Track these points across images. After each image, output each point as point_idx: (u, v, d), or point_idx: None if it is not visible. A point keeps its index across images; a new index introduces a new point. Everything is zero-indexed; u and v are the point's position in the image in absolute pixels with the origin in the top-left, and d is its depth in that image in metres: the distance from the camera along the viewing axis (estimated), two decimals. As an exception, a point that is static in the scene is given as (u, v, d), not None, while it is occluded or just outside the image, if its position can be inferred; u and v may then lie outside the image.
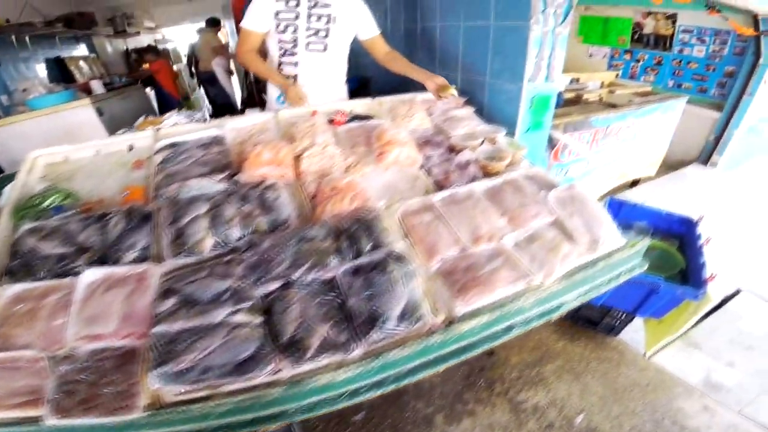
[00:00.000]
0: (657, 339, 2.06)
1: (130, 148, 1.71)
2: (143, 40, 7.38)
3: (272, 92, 2.11)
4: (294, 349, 0.89)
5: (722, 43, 4.43)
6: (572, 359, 2.12)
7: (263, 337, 0.90)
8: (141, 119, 2.03)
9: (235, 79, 6.29)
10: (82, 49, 5.65)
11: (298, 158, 1.49)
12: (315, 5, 1.88)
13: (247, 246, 1.12)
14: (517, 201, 1.35)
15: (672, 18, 4.73)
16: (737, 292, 2.55)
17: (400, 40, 2.92)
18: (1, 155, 3.10)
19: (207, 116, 2.00)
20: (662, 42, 4.93)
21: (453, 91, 1.90)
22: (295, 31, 1.89)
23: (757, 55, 4.02)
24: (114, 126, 3.58)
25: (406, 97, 2.01)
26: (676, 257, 2.20)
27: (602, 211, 1.32)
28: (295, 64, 1.97)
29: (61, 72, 4.80)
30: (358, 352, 0.90)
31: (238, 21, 5.55)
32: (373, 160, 1.53)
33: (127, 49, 6.86)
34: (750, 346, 2.19)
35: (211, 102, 5.95)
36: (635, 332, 2.19)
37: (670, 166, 4.42)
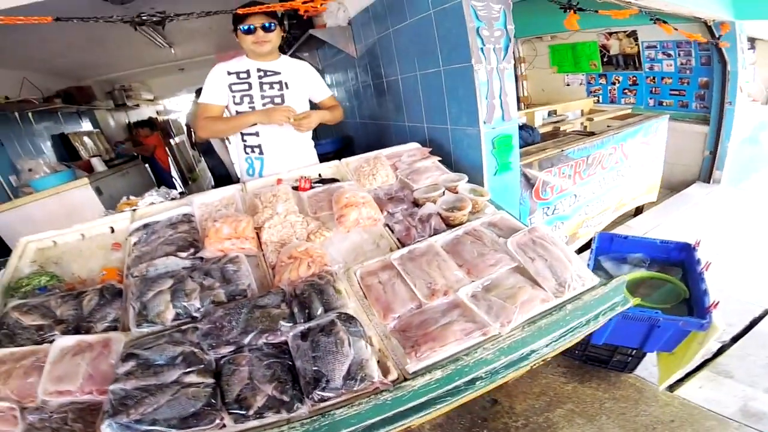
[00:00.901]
0: (670, 372, 1.93)
1: (112, 230, 1.80)
2: (145, 113, 7.70)
3: (241, 167, 2.19)
4: (238, 406, 0.94)
5: (687, 54, 4.50)
6: (584, 401, 1.99)
7: (211, 395, 0.96)
8: (123, 200, 2.10)
9: (232, 149, 6.47)
10: (86, 124, 5.80)
11: (260, 229, 1.54)
12: (265, 74, 1.99)
13: (202, 315, 1.19)
14: (476, 251, 1.37)
15: (633, 35, 4.82)
16: (765, 314, 2.40)
17: (370, 98, 3.07)
18: (10, 238, 3.18)
19: (177, 194, 2.05)
20: (632, 61, 5.00)
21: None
22: (251, 101, 1.99)
23: (723, 62, 4.08)
24: (113, 203, 3.67)
25: (371, 155, 2.09)
26: (678, 287, 2.12)
27: (569, 253, 1.32)
28: (257, 133, 2.05)
29: (66, 148, 4.95)
30: (303, 410, 0.93)
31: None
32: (335, 225, 1.56)
33: (128, 122, 7.17)
34: None
35: (211, 173, 6.09)
36: (654, 366, 2.06)
37: (672, 188, 4.40)
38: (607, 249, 2.46)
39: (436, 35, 2.04)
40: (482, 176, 2.05)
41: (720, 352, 2.15)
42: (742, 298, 1.81)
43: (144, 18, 1.56)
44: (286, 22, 2.02)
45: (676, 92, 4.70)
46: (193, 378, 1.00)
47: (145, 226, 1.70)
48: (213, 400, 0.95)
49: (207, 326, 1.13)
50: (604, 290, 1.21)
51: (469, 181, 1.84)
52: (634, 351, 2.01)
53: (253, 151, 2.09)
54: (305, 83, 2.09)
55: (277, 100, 2.01)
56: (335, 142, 3.52)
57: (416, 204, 1.71)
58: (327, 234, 1.53)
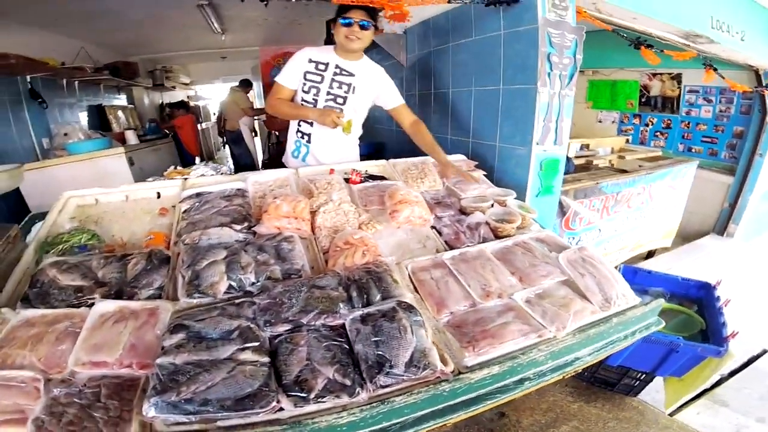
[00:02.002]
0: (677, 396, 2.05)
1: (158, 195, 1.81)
2: (177, 95, 7.87)
3: (289, 147, 2.25)
4: (298, 389, 0.89)
5: (728, 102, 4.45)
6: (588, 420, 2.04)
7: (267, 375, 0.91)
8: (171, 168, 2.15)
9: (257, 141, 6.55)
10: (121, 99, 6.01)
11: (314, 213, 1.57)
12: (339, 73, 2.04)
13: (259, 291, 1.17)
14: (528, 261, 1.40)
15: (677, 78, 4.80)
16: (764, 352, 2.56)
17: (414, 105, 3.12)
18: (32, 197, 3.21)
19: (227, 169, 2.10)
20: (670, 104, 4.97)
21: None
22: (317, 93, 2.04)
23: (764, 111, 4.06)
24: (142, 176, 3.78)
25: (418, 160, 2.13)
26: (695, 318, 2.24)
27: (614, 272, 1.36)
28: (311, 123, 2.11)
29: (99, 119, 5.11)
30: (363, 396, 0.90)
31: (265, 83, 5.95)
32: (385, 219, 1.61)
33: (162, 102, 7.31)
34: None
35: (234, 161, 6.21)
36: (656, 392, 2.16)
37: (685, 237, 4.40)
38: (630, 281, 2.47)
39: (502, 55, 2.09)
40: (525, 196, 2.08)
41: (718, 383, 2.29)
42: (742, 338, 1.95)
43: None
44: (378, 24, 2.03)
45: (708, 139, 4.68)
46: (248, 355, 0.95)
47: (198, 195, 1.71)
48: (269, 381, 0.90)
49: (266, 301, 1.11)
50: (644, 309, 1.26)
51: (513, 199, 1.87)
52: (643, 375, 2.11)
53: (302, 137, 2.16)
54: (374, 90, 2.12)
55: (340, 100, 2.05)
56: (367, 146, 3.55)
57: (463, 212, 1.74)
58: (378, 227, 1.55)
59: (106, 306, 1.09)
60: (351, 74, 2.04)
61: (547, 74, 1.92)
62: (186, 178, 1.91)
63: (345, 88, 2.04)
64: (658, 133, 5.16)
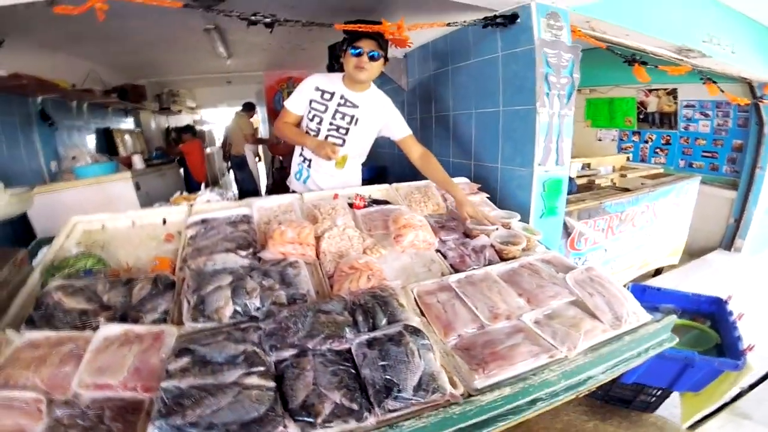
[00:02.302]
0: (694, 410, 2.03)
1: (164, 222, 1.83)
2: (183, 119, 7.98)
3: (293, 168, 2.28)
4: (305, 413, 0.89)
5: (725, 115, 4.48)
6: None
7: (274, 400, 0.91)
8: (177, 194, 2.17)
9: (261, 166, 6.57)
10: (128, 123, 6.04)
11: (318, 238, 1.59)
12: (344, 104, 2.03)
13: (265, 315, 1.18)
14: (535, 282, 1.41)
15: (673, 94, 4.85)
16: None
17: (416, 129, 3.17)
18: (38, 221, 3.21)
19: (233, 195, 2.13)
20: (668, 120, 4.99)
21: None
22: (320, 122, 2.05)
23: (761, 124, 4.08)
24: (148, 201, 3.80)
25: (422, 184, 2.16)
26: (710, 334, 2.24)
27: (623, 291, 1.36)
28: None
29: (107, 143, 5.13)
30: (371, 420, 0.89)
31: (270, 108, 6.02)
32: (390, 243, 1.63)
33: (168, 126, 7.42)
34: None
35: (238, 186, 6.22)
36: (675, 407, 2.13)
37: (692, 254, 4.38)
38: (639, 298, 2.45)
39: (501, 77, 2.15)
40: (528, 218, 2.10)
41: (738, 396, 2.23)
42: (759, 351, 1.96)
43: (258, 18, 1.65)
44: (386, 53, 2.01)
45: (709, 154, 4.69)
46: (254, 380, 0.95)
47: (204, 221, 1.72)
48: (275, 406, 0.90)
49: (271, 326, 1.11)
50: (656, 326, 1.26)
51: (518, 221, 1.88)
52: (659, 391, 2.10)
53: (304, 161, 2.19)
54: (379, 122, 2.10)
55: (342, 131, 2.06)
56: (369, 170, 3.58)
57: (467, 235, 1.75)
58: (383, 251, 1.56)
59: (110, 329, 1.10)
60: (355, 106, 2.04)
61: (546, 94, 1.96)
62: (192, 204, 1.93)
63: (348, 119, 2.04)
64: (658, 150, 5.18)
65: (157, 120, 7.00)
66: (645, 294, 2.50)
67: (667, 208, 3.59)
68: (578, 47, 2.05)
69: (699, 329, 2.27)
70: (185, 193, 2.22)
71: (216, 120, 9.80)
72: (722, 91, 3.46)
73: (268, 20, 1.68)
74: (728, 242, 4.52)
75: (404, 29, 1.75)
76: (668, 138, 5.05)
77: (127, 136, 5.60)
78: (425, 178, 2.14)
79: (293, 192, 2.16)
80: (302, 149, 2.19)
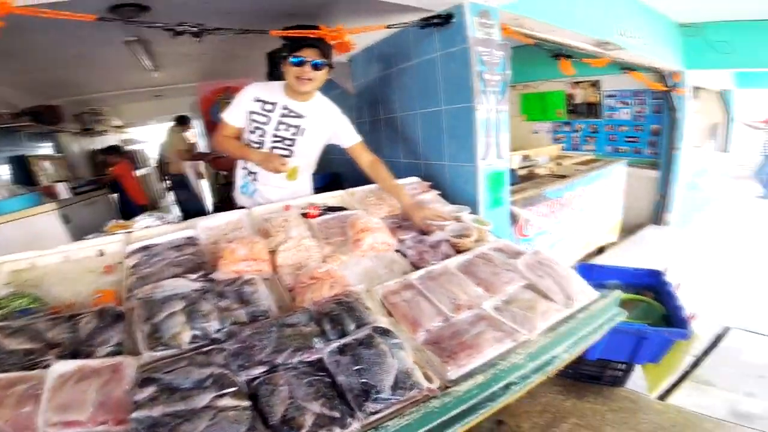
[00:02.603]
0: (658, 380, 2.15)
1: (101, 253, 1.71)
2: (110, 140, 7.39)
3: (238, 182, 2.19)
4: (287, 428, 0.88)
5: (642, 103, 4.99)
6: (586, 415, 2.09)
7: (253, 418, 0.90)
8: (111, 222, 2.02)
9: (205, 183, 6.26)
10: (47, 148, 5.46)
11: (273, 253, 1.55)
12: (288, 114, 1.94)
13: (226, 336, 1.15)
14: (490, 271, 1.47)
15: (597, 85, 5.32)
16: (727, 330, 2.77)
17: (365, 133, 3.15)
18: None
19: (174, 217, 2.02)
20: (593, 110, 5.46)
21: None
22: (263, 134, 1.96)
23: (672, 109, 4.57)
24: (80, 233, 3.48)
25: (376, 187, 2.16)
26: (655, 306, 2.37)
27: (570, 271, 1.46)
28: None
29: (23, 172, 4.59)
30: (355, 425, 0.90)
31: (207, 120, 5.73)
32: (349, 249, 1.62)
33: (93, 149, 6.86)
34: (761, 375, 2.34)
35: (181, 208, 5.76)
36: (642, 379, 2.24)
37: (629, 230, 4.79)
38: (587, 277, 2.62)
39: (440, 77, 2.22)
40: (477, 210, 2.18)
41: (696, 364, 2.44)
42: (703, 319, 2.18)
43: (184, 28, 1.56)
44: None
45: (631, 139, 5.20)
46: (228, 401, 0.93)
47: (145, 248, 1.64)
48: (255, 423, 0.89)
49: (236, 346, 1.09)
50: (605, 302, 1.35)
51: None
52: (624, 365, 2.19)
53: (249, 175, 2.10)
54: (326, 131, 2.05)
55: (287, 143, 1.98)
56: (322, 178, 3.50)
57: (423, 232, 1.79)
58: (343, 258, 1.56)
59: (64, 366, 1.03)
60: (300, 116, 1.95)
61: (482, 92, 2.05)
62: (129, 232, 1.80)
63: (293, 130, 1.97)
64: (587, 138, 5.65)
65: (80, 142, 6.45)
66: (592, 272, 2.65)
67: (600, 190, 3.90)
68: (508, 44, 2.16)
69: (645, 302, 2.43)
70: (120, 221, 2.07)
71: (148, 138, 9.23)
72: (642, 78, 3.83)
73: (195, 29, 1.61)
74: (657, 217, 5.01)
75: (344, 34, 1.75)
76: (595, 127, 5.52)
77: (47, 163, 5.08)
78: None
79: (240, 207, 2.05)
80: (245, 162, 2.10)
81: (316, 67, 1.80)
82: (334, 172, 3.72)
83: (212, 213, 5.64)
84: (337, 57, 3.04)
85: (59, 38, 3.24)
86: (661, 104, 4.73)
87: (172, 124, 5.61)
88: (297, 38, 1.74)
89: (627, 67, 3.72)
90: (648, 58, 3.80)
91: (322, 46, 1.78)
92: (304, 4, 2.80)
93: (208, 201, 6.35)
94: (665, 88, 4.38)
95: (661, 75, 4.41)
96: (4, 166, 4.41)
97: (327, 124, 2.04)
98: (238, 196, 2.19)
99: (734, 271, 3.86)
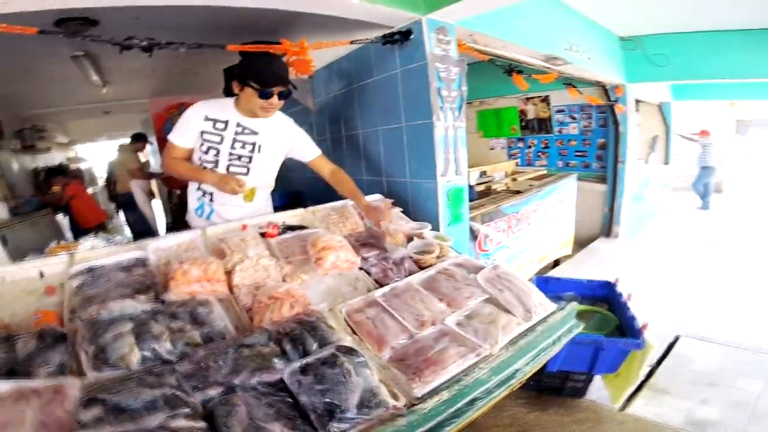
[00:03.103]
0: (620, 391, 2.20)
1: (42, 275, 1.59)
2: (55, 158, 6.94)
3: (191, 204, 2.10)
4: None
5: (588, 117, 5.22)
6: (549, 427, 2.14)
7: None
8: (53, 244, 1.89)
9: (157, 203, 6.01)
10: None
11: (229, 273, 1.50)
12: (242, 132, 1.90)
13: (179, 357, 1.11)
14: (452, 286, 1.49)
15: (546, 101, 5.53)
16: (677, 338, 2.89)
17: (327, 150, 3.15)
18: None
19: (122, 239, 1.92)
20: (545, 125, 5.67)
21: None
22: (217, 154, 1.90)
23: (616, 123, 4.80)
24: (19, 256, 3.21)
25: (338, 204, 2.16)
26: (609, 316, 2.47)
27: (528, 284, 1.50)
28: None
29: None
30: None
31: (159, 137, 5.53)
32: (311, 268, 1.60)
33: (36, 168, 6.40)
34: (712, 383, 2.43)
35: (131, 229, 5.56)
36: (600, 390, 2.30)
37: (581, 243, 4.99)
38: (544, 289, 2.71)
39: (401, 93, 2.26)
40: (438, 227, 2.21)
41: (651, 373, 2.53)
42: (654, 328, 2.18)
43: (132, 42, 1.51)
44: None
45: (580, 153, 5.44)
46: (181, 422, 0.89)
47: (90, 269, 1.54)
48: None
49: (189, 367, 1.04)
50: (562, 314, 1.40)
51: (429, 230, 1.97)
52: (584, 376, 2.25)
53: (204, 196, 2.02)
54: (284, 146, 2.03)
55: (244, 160, 1.93)
56: (282, 197, 3.44)
57: (386, 249, 1.79)
58: (304, 277, 1.53)
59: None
60: (255, 132, 1.91)
61: (440, 108, 2.11)
62: (73, 253, 1.69)
63: (249, 147, 1.92)
64: (540, 153, 5.88)
65: (20, 160, 6.00)
66: (548, 284, 2.75)
67: (554, 204, 4.07)
68: (464, 60, 2.24)
69: (599, 313, 2.52)
70: (63, 242, 1.94)
71: (96, 155, 8.75)
72: (581, 93, 4.05)
73: (144, 44, 1.56)
74: (606, 230, 5.25)
75: (307, 49, 1.75)
76: (546, 142, 5.76)
77: (-19, 182, 4.72)
78: (342, 198, 2.15)
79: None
80: (199, 183, 2.01)
81: (283, 96, 1.82)
82: (295, 190, 3.68)
83: (164, 233, 5.44)
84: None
85: (1, 51, 3.05)
86: (606, 118, 4.96)
87: (125, 141, 5.39)
88: (268, 78, 1.75)
89: (568, 83, 3.93)
90: (592, 72, 4.00)
91: (287, 76, 1.81)
92: (264, 19, 2.79)
93: (161, 221, 6.07)
94: (602, 103, 4.60)
95: (604, 89, 4.65)
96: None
97: (284, 139, 2.01)
98: (193, 219, 2.09)
99: (681, 280, 4.09)
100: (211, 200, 2.01)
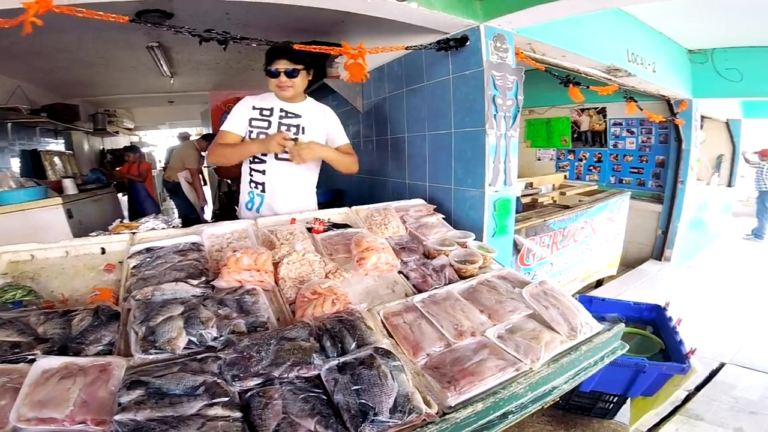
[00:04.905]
0: (641, 413, 2.13)
1: (103, 251, 1.71)
2: (120, 141, 7.50)
3: (242, 198, 2.21)
4: None
5: (648, 132, 4.90)
6: None
7: (242, 431, 0.88)
8: (116, 222, 2.02)
9: (207, 190, 6.31)
10: (59, 144, 5.59)
11: (277, 264, 1.55)
12: (286, 116, 2.05)
13: (223, 345, 1.13)
14: (494, 298, 1.46)
15: (603, 113, 5.25)
16: (722, 366, 2.75)
17: (370, 153, 3.21)
18: None
19: (179, 222, 2.03)
20: (599, 138, 5.38)
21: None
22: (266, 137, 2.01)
23: (679, 140, 4.48)
24: (82, 230, 3.50)
25: (381, 206, 2.17)
26: (653, 340, 2.39)
27: (575, 302, 1.45)
28: (263, 171, 2.09)
29: (33, 166, 4.69)
30: None
31: (216, 128, 5.81)
32: (352, 267, 1.62)
33: (103, 148, 6.92)
34: (752, 411, 2.30)
35: (177, 211, 5.96)
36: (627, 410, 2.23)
37: (628, 264, 4.75)
38: (586, 309, 2.61)
39: (452, 99, 2.24)
40: (482, 237, 2.17)
41: (687, 399, 2.42)
42: (699, 354, 2.12)
43: (211, 35, 1.59)
44: (312, 70, 2.06)
45: (635, 170, 5.12)
46: (218, 411, 0.91)
47: (149, 249, 1.64)
48: None
49: (232, 356, 1.07)
50: (608, 335, 1.35)
51: (472, 240, 1.94)
52: (616, 398, 2.19)
53: (256, 187, 2.12)
54: (324, 128, 2.13)
55: (291, 143, 2.00)
56: (326, 194, 3.58)
57: (427, 255, 1.80)
58: (346, 275, 1.55)
59: (49, 362, 1.01)
60: (298, 116, 2.06)
61: (494, 116, 2.07)
62: (135, 233, 1.80)
63: (294, 129, 2.05)
64: (591, 167, 5.58)
65: (90, 141, 6.52)
66: (592, 304, 2.66)
67: (603, 222, 3.89)
68: (522, 69, 2.18)
69: (643, 335, 2.43)
70: (125, 221, 2.07)
71: (157, 143, 9.31)
72: (641, 109, 3.82)
73: (220, 37, 1.64)
74: (658, 252, 4.94)
75: (365, 52, 1.78)
76: (599, 155, 5.45)
77: (56, 159, 5.15)
78: (385, 201, 2.18)
79: None
80: (251, 174, 2.12)
81: (289, 75, 1.95)
82: (338, 188, 3.74)
83: (210, 220, 5.75)
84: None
85: (84, 39, 3.33)
86: (668, 134, 4.65)
87: (185, 131, 5.70)
88: (271, 49, 1.91)
89: (630, 96, 3.72)
90: (656, 86, 3.78)
91: (291, 54, 1.92)
92: (318, 21, 2.87)
93: (209, 207, 6.38)
94: (664, 119, 4.31)
95: (668, 103, 4.36)
96: (15, 158, 4.50)
97: (324, 121, 2.13)
98: (243, 213, 2.20)
99: (731, 308, 3.84)
100: (263, 191, 2.11)
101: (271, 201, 2.11)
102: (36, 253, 1.63)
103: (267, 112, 2.04)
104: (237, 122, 2.03)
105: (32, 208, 3.34)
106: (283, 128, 2.04)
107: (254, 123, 2.03)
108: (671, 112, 4.40)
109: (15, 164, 4.49)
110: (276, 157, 2.04)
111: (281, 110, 2.05)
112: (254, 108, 2.04)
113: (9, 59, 3.71)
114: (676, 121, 4.35)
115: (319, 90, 3.35)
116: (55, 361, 1.02)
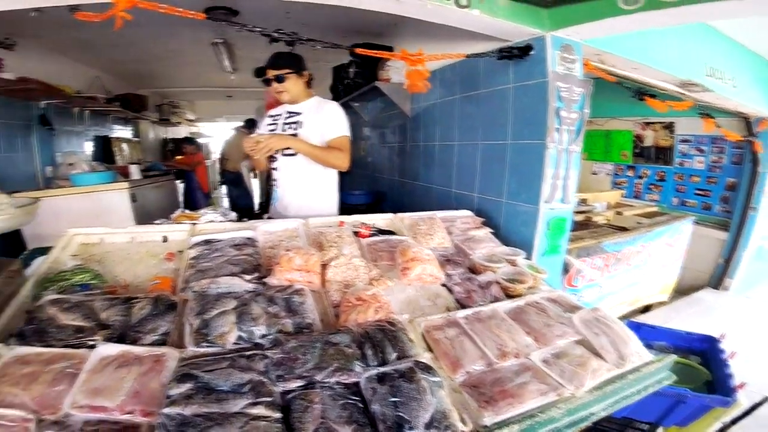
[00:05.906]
0: None
1: (165, 239, 1.83)
2: (180, 131, 7.98)
3: (273, 195, 2.45)
4: None
5: (720, 151, 4.43)
6: None
7: None
8: (178, 212, 2.16)
9: (255, 183, 6.59)
10: (127, 132, 6.11)
11: (324, 266, 1.60)
12: (289, 116, 2.28)
13: (272, 344, 1.17)
14: (542, 321, 1.43)
15: (670, 128, 4.81)
16: (765, 399, 2.55)
17: (416, 158, 3.20)
18: (28, 228, 3.13)
19: (235, 216, 2.17)
20: (663, 154, 4.92)
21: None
22: None
23: (755, 161, 4.08)
24: (143, 213, 3.78)
25: (426, 215, 2.16)
26: (700, 371, 2.31)
27: (628, 332, 1.40)
28: (276, 168, 2.33)
29: (103, 151, 5.16)
30: None
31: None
32: (396, 275, 1.64)
33: (165, 137, 7.38)
34: None
35: (231, 203, 6.23)
36: None
37: (681, 291, 4.43)
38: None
39: (511, 109, 2.17)
40: (531, 254, 2.10)
41: (722, 430, 2.24)
42: (747, 387, 2.03)
43: (280, 35, 1.69)
44: (306, 71, 2.27)
45: (702, 192, 4.67)
46: (260, 410, 0.94)
47: (207, 242, 1.73)
48: None
49: (279, 356, 1.11)
50: (657, 365, 1.30)
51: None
52: (647, 426, 2.09)
53: (274, 182, 2.38)
54: (319, 122, 2.19)
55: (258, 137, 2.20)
56: (367, 195, 3.62)
57: (472, 270, 1.78)
58: (389, 283, 1.57)
59: (108, 349, 1.08)
60: (298, 113, 2.25)
61: (556, 129, 1.98)
62: (195, 224, 1.91)
63: (294, 126, 2.24)
64: (651, 186, 5.13)
65: (155, 130, 6.98)
66: (640, 331, 2.52)
67: (662, 248, 3.66)
68: (590, 81, 2.08)
69: (691, 366, 2.33)
70: (187, 211, 2.20)
71: (214, 134, 9.80)
72: (718, 127, 3.52)
73: (288, 38, 1.72)
74: (717, 281, 4.57)
75: (424, 59, 1.78)
76: (663, 174, 4.99)
77: (124, 145, 5.59)
78: (429, 208, 2.18)
79: (269, 217, 2.35)
80: (271, 170, 2.38)
81: (279, 80, 2.16)
82: (380, 190, 3.75)
83: (257, 210, 5.96)
84: (398, 77, 3.08)
85: (158, 34, 3.57)
86: (743, 155, 4.22)
87: (239, 124, 5.97)
88: (260, 69, 2.21)
89: (704, 113, 3.43)
90: (736, 102, 3.47)
91: (274, 61, 2.15)
92: (373, 23, 2.90)
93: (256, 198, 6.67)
94: (742, 138, 3.94)
95: (746, 121, 4.00)
96: (88, 143, 4.92)
97: (320, 115, 2.22)
98: (272, 208, 2.44)
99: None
100: (277, 186, 2.34)
101: (282, 195, 2.30)
102: (105, 237, 1.77)
103: (277, 116, 2.34)
104: (260, 130, 2.39)
105: (101, 190, 3.62)
106: (287, 128, 2.25)
107: (268, 127, 2.36)
108: (749, 131, 4.04)
109: (88, 148, 4.90)
110: (282, 152, 2.24)
111: (287, 112, 2.29)
112: (269, 116, 2.40)
113: (90, 50, 4.06)
114: (755, 144, 3.98)
115: (369, 93, 3.37)
116: (114, 349, 1.08)
